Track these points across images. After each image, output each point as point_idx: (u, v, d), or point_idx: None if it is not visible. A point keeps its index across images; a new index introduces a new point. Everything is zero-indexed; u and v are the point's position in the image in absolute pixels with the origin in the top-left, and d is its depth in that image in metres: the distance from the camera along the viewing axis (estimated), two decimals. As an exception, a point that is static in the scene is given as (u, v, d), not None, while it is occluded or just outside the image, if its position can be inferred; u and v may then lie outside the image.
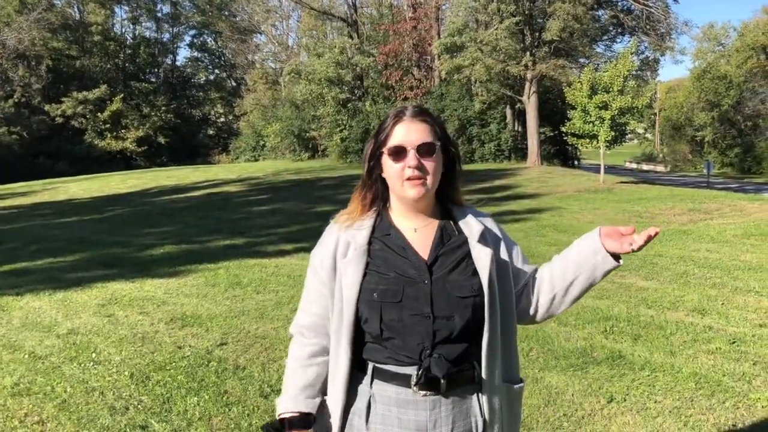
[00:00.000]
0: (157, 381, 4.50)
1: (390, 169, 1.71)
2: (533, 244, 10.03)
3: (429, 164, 1.69)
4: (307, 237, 11.01)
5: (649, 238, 1.66)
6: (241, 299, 6.82)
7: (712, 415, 3.88)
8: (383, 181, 1.77)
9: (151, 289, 7.39)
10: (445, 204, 1.82)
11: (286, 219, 13.82)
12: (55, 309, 6.56)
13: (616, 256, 1.74)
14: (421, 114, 1.73)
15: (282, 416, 1.77)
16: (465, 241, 1.75)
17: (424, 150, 1.68)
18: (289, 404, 1.77)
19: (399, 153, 1.68)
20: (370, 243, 1.74)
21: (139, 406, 4.10)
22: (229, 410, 4.03)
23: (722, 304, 6.28)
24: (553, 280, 1.82)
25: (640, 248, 1.67)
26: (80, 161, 43.78)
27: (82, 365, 4.85)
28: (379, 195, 1.79)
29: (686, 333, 5.37)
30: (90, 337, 5.58)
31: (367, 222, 1.77)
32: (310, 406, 1.76)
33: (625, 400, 4.08)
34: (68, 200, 20.73)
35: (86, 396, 4.28)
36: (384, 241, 1.74)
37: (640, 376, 4.44)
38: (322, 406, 1.78)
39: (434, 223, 1.77)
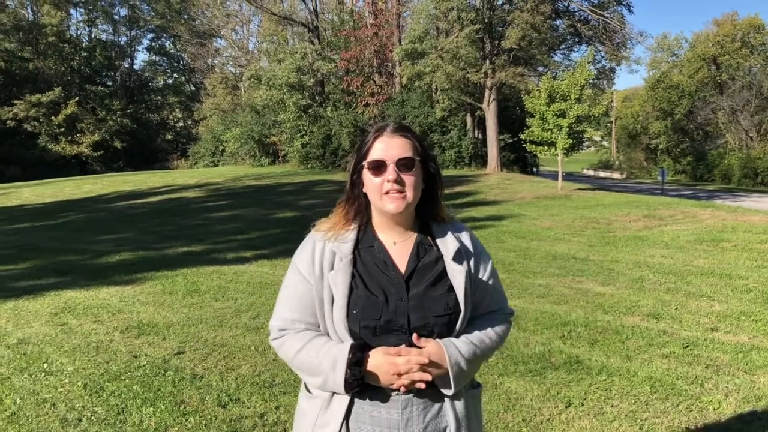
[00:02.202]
0: (112, 391, 4.40)
1: (370, 182, 1.75)
2: (493, 250, 10.12)
3: (408, 179, 1.73)
4: (266, 244, 10.92)
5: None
6: (199, 307, 6.72)
7: (667, 418, 3.95)
8: (366, 196, 1.80)
9: (107, 297, 7.23)
10: (424, 220, 1.85)
11: (245, 225, 13.67)
12: (4, 318, 6.36)
13: None
14: (402, 130, 1.78)
15: (349, 358, 1.67)
16: (440, 258, 1.79)
17: (403, 164, 1.72)
18: (341, 351, 1.69)
19: (379, 167, 1.73)
20: (354, 254, 1.77)
21: (93, 418, 4.00)
22: (186, 420, 3.96)
23: (676, 308, 6.42)
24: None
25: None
26: (33, 166, 42.75)
27: (33, 376, 4.71)
28: (362, 208, 1.82)
29: (641, 338, 5.47)
30: (42, 346, 5.42)
31: (351, 234, 1.80)
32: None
33: (582, 405, 4.13)
34: (20, 206, 20.18)
35: (37, 408, 4.15)
36: (368, 253, 1.78)
37: (597, 381, 4.51)
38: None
39: (412, 238, 1.82)
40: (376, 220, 1.82)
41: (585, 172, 60.59)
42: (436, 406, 1.75)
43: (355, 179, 1.80)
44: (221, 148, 42.96)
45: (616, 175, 56.47)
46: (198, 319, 6.23)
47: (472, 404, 1.84)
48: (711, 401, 4.16)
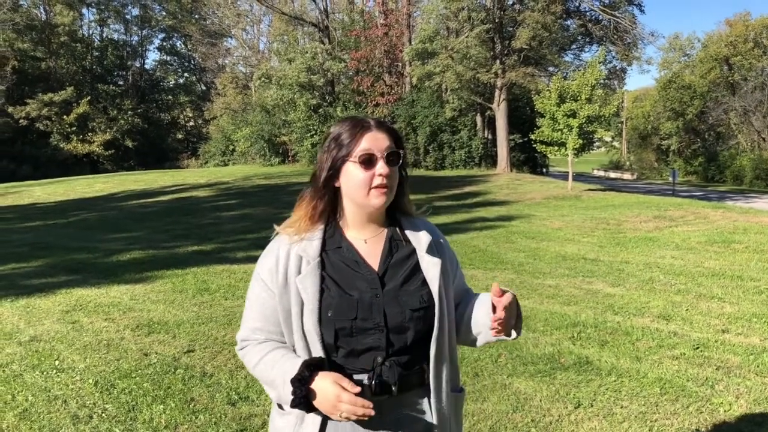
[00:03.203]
0: (122, 389, 4.42)
1: (356, 177, 1.69)
2: (503, 250, 10.11)
3: (393, 172, 1.70)
4: (276, 243, 10.92)
5: (503, 323, 1.65)
6: (209, 305, 6.75)
7: (677, 419, 3.94)
8: (335, 191, 1.75)
9: (117, 295, 7.27)
10: (392, 214, 1.81)
11: (255, 225, 13.72)
12: (17, 316, 6.41)
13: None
14: (384, 125, 1.75)
15: (296, 374, 1.60)
16: (413, 252, 1.76)
17: (391, 158, 1.70)
18: (293, 367, 1.62)
19: (370, 160, 1.68)
20: (321, 256, 1.72)
21: (104, 415, 4.03)
22: (196, 418, 3.98)
23: (687, 310, 6.39)
24: (468, 323, 1.83)
25: (500, 332, 1.67)
26: (45, 165, 43.01)
27: (45, 373, 4.75)
28: (328, 206, 1.77)
29: (652, 339, 5.45)
30: (53, 344, 5.46)
31: (317, 234, 1.74)
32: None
33: (592, 406, 4.12)
34: (32, 204, 20.33)
35: (48, 405, 4.18)
36: (336, 254, 1.73)
37: (607, 382, 4.50)
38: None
39: (383, 234, 1.78)
40: (349, 218, 1.76)
41: (595, 172, 60.35)
42: (416, 408, 1.72)
43: (330, 174, 1.73)
44: (231, 147, 43.11)
45: (627, 176, 56.23)
46: (208, 317, 6.26)
47: (454, 407, 1.82)
48: (722, 403, 4.13)
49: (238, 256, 9.67)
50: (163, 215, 16.03)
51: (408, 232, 1.79)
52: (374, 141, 1.70)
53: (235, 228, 13.40)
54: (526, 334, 5.54)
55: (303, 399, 1.57)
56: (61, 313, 6.46)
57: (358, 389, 1.55)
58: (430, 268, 1.74)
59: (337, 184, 1.74)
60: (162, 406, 4.13)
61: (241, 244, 10.95)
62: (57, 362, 4.98)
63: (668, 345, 5.28)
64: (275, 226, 1.82)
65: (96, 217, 16.15)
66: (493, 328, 1.67)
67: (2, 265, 9.37)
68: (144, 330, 5.84)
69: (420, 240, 1.77)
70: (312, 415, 1.65)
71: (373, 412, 1.56)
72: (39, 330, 5.89)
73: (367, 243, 1.76)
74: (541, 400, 4.20)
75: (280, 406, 1.75)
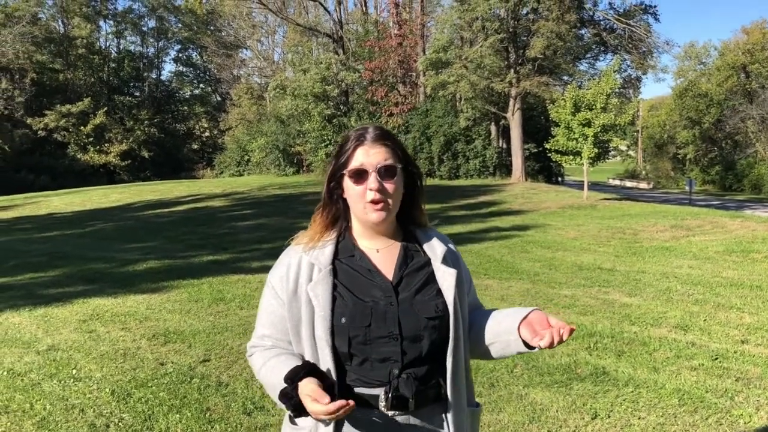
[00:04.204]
0: (139, 398, 4.44)
1: (351, 191, 1.70)
2: (518, 260, 10.06)
3: (390, 186, 1.69)
4: (291, 252, 10.95)
5: (560, 341, 1.63)
6: (225, 315, 6.77)
7: (696, 431, 3.89)
8: (344, 201, 1.76)
9: (134, 304, 7.31)
10: (406, 225, 1.82)
11: (270, 234, 13.77)
12: (35, 325, 6.47)
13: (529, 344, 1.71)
14: (383, 137, 1.73)
15: (284, 387, 1.60)
16: (428, 262, 1.76)
17: (385, 172, 1.68)
18: (284, 373, 1.61)
19: (360, 175, 1.68)
20: (334, 264, 1.72)
21: (120, 424, 4.04)
22: (212, 428, 3.99)
23: (705, 320, 6.33)
24: (480, 332, 1.82)
25: (550, 346, 1.64)
26: (63, 175, 43.47)
27: (62, 382, 4.78)
28: (341, 215, 1.78)
29: (669, 349, 5.39)
30: (70, 353, 5.50)
31: (329, 243, 1.75)
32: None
33: (609, 417, 4.08)
34: (50, 214, 20.53)
35: (66, 413, 4.21)
36: (348, 263, 1.74)
37: (624, 393, 4.45)
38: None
39: (396, 244, 1.78)
40: (357, 229, 1.77)
41: (611, 181, 59.99)
42: (433, 423, 1.71)
43: (332, 186, 1.75)
44: (246, 157, 43.34)
45: (643, 185, 55.82)
46: (223, 327, 6.28)
47: (471, 423, 1.80)
48: (742, 415, 4.08)
49: (253, 266, 9.70)
50: (178, 225, 16.12)
51: (423, 243, 1.79)
52: (366, 156, 1.70)
53: (250, 238, 13.46)
54: (542, 344, 5.49)
55: (295, 411, 1.57)
56: (78, 323, 6.51)
57: (327, 400, 1.49)
58: (446, 278, 1.73)
59: (344, 195, 1.75)
60: (178, 416, 4.14)
61: (256, 254, 10.99)
62: (74, 371, 5.01)
63: (686, 356, 5.23)
64: (289, 239, 1.84)
65: (112, 227, 16.28)
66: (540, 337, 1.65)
67: (21, 274, 9.47)
68: (160, 339, 5.87)
69: (435, 250, 1.77)
70: (323, 429, 1.65)
71: (348, 404, 1.48)
72: (57, 339, 5.94)
73: (380, 252, 1.76)
74: (557, 411, 4.17)
75: (291, 422, 1.74)
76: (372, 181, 1.67)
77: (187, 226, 15.79)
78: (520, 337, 1.70)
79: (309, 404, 1.51)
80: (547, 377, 4.75)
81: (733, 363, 5.03)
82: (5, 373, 5.02)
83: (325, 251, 1.73)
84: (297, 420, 1.69)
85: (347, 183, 1.71)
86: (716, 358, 5.13)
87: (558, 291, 7.82)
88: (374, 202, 1.67)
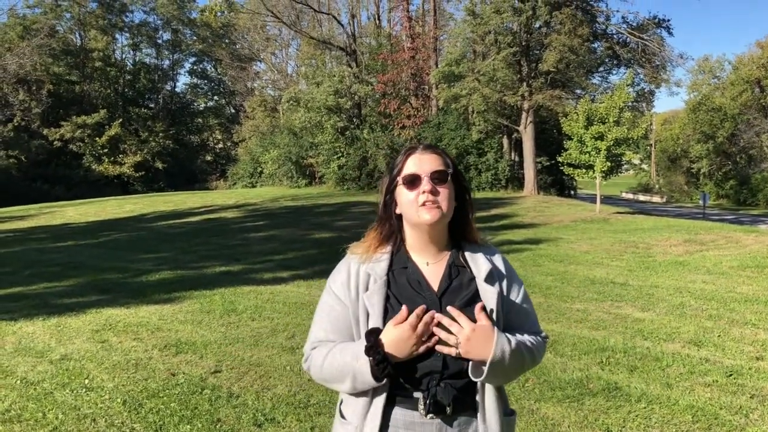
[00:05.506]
0: (150, 408, 4.46)
1: (405, 197, 1.79)
2: (530, 273, 10.02)
3: (443, 191, 1.77)
4: (303, 264, 11.00)
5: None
6: (236, 326, 6.79)
7: (709, 448, 3.85)
8: (399, 218, 1.84)
9: (146, 315, 7.35)
10: (457, 240, 1.88)
11: (282, 246, 13.80)
12: (48, 334, 6.52)
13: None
14: (432, 147, 1.85)
15: (366, 344, 1.70)
16: (472, 279, 1.81)
17: (436, 177, 1.77)
18: (355, 347, 1.75)
19: (413, 181, 1.77)
20: (388, 276, 1.80)
21: (131, 434, 4.05)
22: (222, 439, 3.98)
23: (719, 336, 6.27)
24: None
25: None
26: (77, 185, 43.90)
27: (75, 392, 4.81)
28: (395, 230, 1.86)
29: (683, 365, 5.35)
30: (83, 363, 5.53)
31: (385, 255, 1.84)
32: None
33: (621, 433, 4.05)
34: (65, 224, 20.69)
35: (78, 423, 4.23)
36: (401, 274, 1.81)
37: (637, 408, 4.42)
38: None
39: (445, 259, 1.84)
40: (411, 241, 1.85)
41: (624, 195, 59.73)
42: (471, 429, 1.76)
43: (387, 200, 1.84)
44: (259, 169, 43.55)
45: (656, 199, 55.50)
46: (235, 338, 6.29)
47: (506, 431, 1.83)
48: (756, 432, 4.03)
49: (265, 277, 9.72)
50: (191, 236, 16.20)
51: (469, 260, 1.85)
52: (418, 162, 1.79)
53: (262, 249, 13.49)
54: (554, 358, 5.48)
55: (382, 363, 1.66)
56: (91, 333, 6.54)
57: (405, 312, 1.68)
58: (489, 296, 1.79)
59: (398, 211, 1.83)
60: (189, 427, 4.15)
61: (268, 265, 11.02)
62: (86, 381, 5.04)
63: (700, 371, 5.18)
64: (345, 247, 1.93)
65: (126, 237, 16.39)
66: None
67: (35, 284, 9.55)
68: (172, 350, 5.89)
69: (480, 268, 1.83)
70: (369, 426, 1.73)
71: (435, 313, 1.68)
72: (69, 349, 5.97)
73: (429, 266, 1.83)
74: (569, 426, 4.14)
75: (342, 416, 1.83)
76: (425, 183, 1.76)
77: (199, 237, 15.86)
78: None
79: (395, 329, 1.67)
80: (559, 392, 4.72)
81: (748, 380, 4.98)
82: (18, 382, 5.05)
83: (380, 263, 1.82)
84: (346, 416, 1.81)
85: (401, 191, 1.80)
86: (730, 375, 5.08)
87: (570, 305, 7.78)
88: (427, 203, 1.75)
